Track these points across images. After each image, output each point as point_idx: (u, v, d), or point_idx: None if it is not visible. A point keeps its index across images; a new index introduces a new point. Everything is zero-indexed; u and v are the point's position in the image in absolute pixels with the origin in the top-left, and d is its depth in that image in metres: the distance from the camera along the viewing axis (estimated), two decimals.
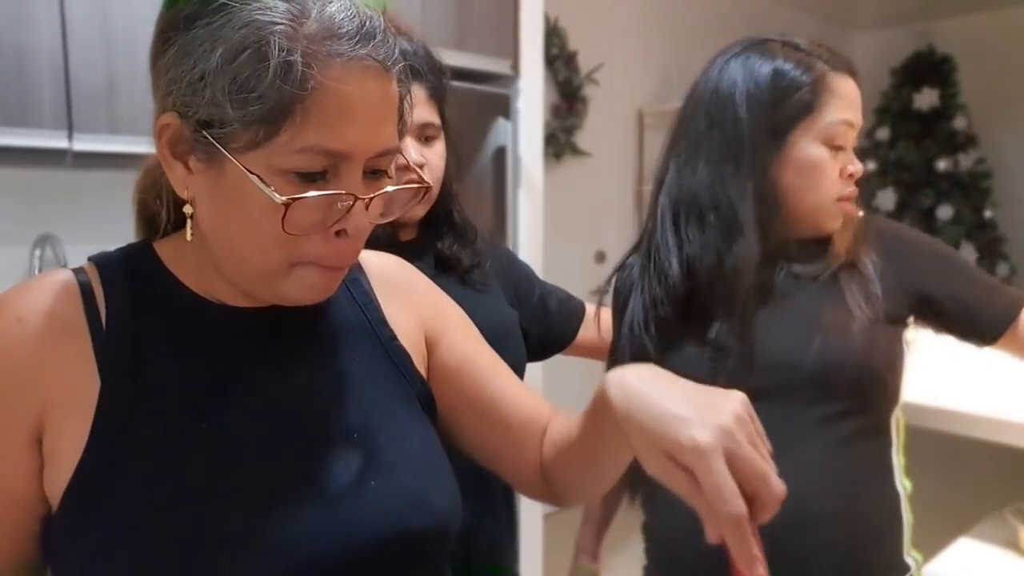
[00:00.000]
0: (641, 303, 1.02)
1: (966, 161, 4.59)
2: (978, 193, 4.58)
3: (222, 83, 0.51)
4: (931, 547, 1.28)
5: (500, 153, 2.39)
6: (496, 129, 2.37)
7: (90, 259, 0.64)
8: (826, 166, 0.97)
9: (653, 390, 0.54)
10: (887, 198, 4.67)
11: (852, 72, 0.99)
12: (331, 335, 0.68)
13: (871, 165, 4.74)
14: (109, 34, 1.66)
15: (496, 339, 1.13)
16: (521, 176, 2.44)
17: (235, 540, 0.55)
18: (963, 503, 1.63)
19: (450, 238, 1.12)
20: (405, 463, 0.65)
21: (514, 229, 2.45)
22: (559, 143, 3.54)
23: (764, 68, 0.97)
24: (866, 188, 4.58)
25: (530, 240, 2.46)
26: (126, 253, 0.64)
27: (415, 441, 0.68)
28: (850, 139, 0.99)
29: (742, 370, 0.94)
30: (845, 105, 0.97)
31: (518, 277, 1.27)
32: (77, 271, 0.61)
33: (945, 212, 4.55)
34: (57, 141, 1.61)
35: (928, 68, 4.69)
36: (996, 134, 4.77)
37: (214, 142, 0.53)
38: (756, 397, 0.90)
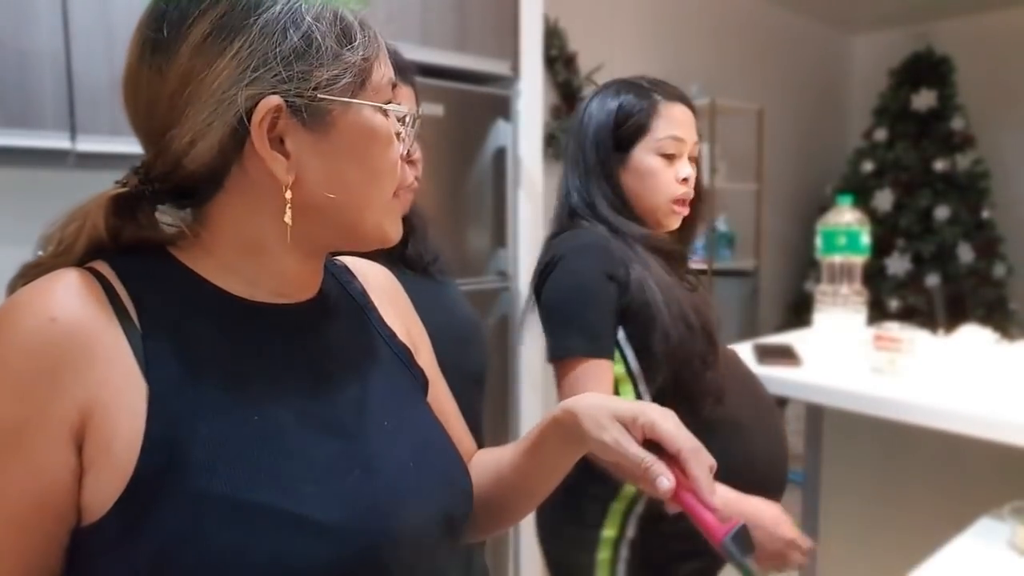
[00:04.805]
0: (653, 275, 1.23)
1: (964, 162, 4.59)
2: (976, 193, 4.58)
3: (333, 39, 0.59)
4: (929, 545, 1.28)
5: (500, 154, 2.40)
6: (496, 130, 2.38)
7: (100, 259, 0.61)
8: (659, 172, 1.26)
9: (602, 396, 0.69)
10: (884, 198, 4.67)
11: (684, 100, 1.29)
12: (345, 331, 0.71)
13: (869, 166, 4.75)
14: (112, 35, 1.66)
15: (464, 338, 1.13)
16: (521, 177, 2.45)
17: (306, 522, 0.55)
18: (961, 501, 1.64)
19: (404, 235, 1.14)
20: (433, 449, 0.69)
21: (514, 230, 2.46)
22: (559, 144, 3.54)
23: (611, 103, 1.28)
24: (864, 188, 4.61)
25: (530, 241, 2.47)
26: (139, 255, 0.62)
27: (434, 429, 0.72)
28: (683, 151, 1.27)
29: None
30: (673, 125, 1.26)
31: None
32: (87, 268, 0.59)
33: (942, 212, 4.55)
34: (59, 142, 1.61)
35: (926, 69, 4.69)
36: (994, 135, 4.78)
37: (339, 97, 0.59)
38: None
